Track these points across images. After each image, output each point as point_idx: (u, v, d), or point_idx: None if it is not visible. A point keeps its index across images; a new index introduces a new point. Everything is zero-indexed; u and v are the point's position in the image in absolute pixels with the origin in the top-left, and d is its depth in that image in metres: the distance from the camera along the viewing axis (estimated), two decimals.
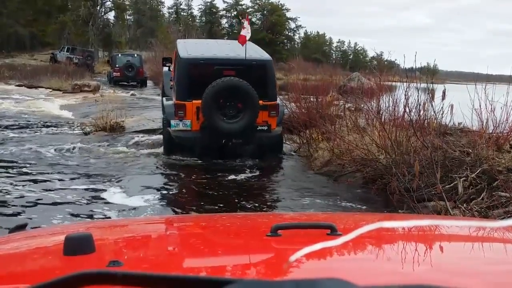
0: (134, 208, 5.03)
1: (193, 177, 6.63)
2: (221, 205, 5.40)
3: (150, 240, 1.20)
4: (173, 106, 7.59)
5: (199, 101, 7.18)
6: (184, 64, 7.55)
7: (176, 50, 8.26)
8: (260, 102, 7.29)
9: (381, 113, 6.90)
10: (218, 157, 7.66)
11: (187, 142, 7.49)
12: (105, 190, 5.65)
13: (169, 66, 9.77)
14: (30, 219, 4.32)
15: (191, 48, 8.40)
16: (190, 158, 7.76)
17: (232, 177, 6.74)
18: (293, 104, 9.67)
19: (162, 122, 8.56)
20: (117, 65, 22.08)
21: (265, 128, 7.49)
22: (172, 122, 7.44)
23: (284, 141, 8.46)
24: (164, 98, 8.48)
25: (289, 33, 66.51)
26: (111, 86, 20.73)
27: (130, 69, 21.77)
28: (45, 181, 5.83)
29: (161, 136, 8.68)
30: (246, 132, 7.38)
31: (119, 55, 24.39)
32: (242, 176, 6.82)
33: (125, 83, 21.67)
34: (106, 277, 0.51)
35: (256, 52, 8.09)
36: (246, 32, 7.59)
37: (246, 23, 7.68)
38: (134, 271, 0.52)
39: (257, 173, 7.12)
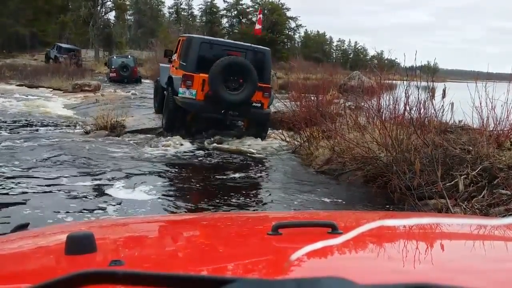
0: (139, 204, 5.05)
1: (193, 174, 6.64)
2: (221, 203, 5.41)
3: (152, 239, 1.20)
4: (181, 77, 8.71)
5: (205, 75, 8.45)
6: (196, 42, 8.92)
7: (186, 37, 9.78)
8: (258, 84, 8.59)
9: (381, 111, 6.90)
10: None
11: (191, 107, 8.72)
12: (109, 186, 5.68)
13: (169, 58, 10.80)
14: (33, 212, 4.33)
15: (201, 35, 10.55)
16: (190, 157, 7.78)
17: (232, 174, 6.74)
18: (293, 102, 9.68)
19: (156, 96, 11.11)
20: (113, 66, 23.89)
21: (259, 105, 8.83)
22: (180, 89, 8.60)
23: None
24: (172, 75, 9.50)
25: (290, 32, 66.43)
26: (111, 86, 20.86)
27: (125, 69, 23.57)
28: (47, 178, 5.84)
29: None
30: (243, 106, 8.61)
31: (115, 57, 26.50)
32: (243, 174, 6.82)
33: (122, 82, 23.18)
34: (108, 276, 0.51)
35: (257, 45, 9.66)
36: (259, 26, 10.66)
37: (259, 16, 11.69)
38: (135, 270, 0.52)
39: (258, 171, 7.13)
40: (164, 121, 9.29)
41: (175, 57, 10.25)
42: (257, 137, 9.29)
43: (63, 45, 34.38)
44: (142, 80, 24.78)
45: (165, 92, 9.89)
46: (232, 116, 8.83)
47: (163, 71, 10.76)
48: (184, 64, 8.94)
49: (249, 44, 9.44)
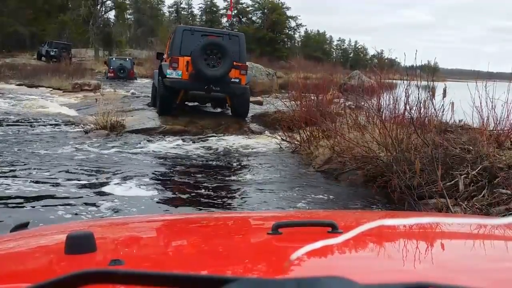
0: (137, 201, 5.05)
1: (191, 173, 6.63)
2: (219, 201, 5.41)
3: (151, 239, 1.20)
4: (169, 62, 10.11)
5: (188, 58, 9.83)
6: (179, 31, 10.42)
7: (172, 32, 11.35)
8: (234, 63, 10.01)
9: (381, 110, 6.89)
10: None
11: (179, 85, 10.06)
12: (106, 183, 5.69)
13: (161, 59, 11.91)
14: (32, 211, 4.32)
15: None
16: (188, 155, 7.78)
17: (231, 173, 6.74)
18: (293, 102, 9.68)
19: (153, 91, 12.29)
20: (111, 67, 26.07)
21: (237, 81, 10.17)
22: (168, 71, 9.95)
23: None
24: (162, 65, 10.66)
25: (290, 32, 66.41)
26: (111, 85, 20.95)
27: (122, 71, 25.85)
28: (45, 177, 5.84)
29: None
30: (223, 82, 9.92)
31: (114, 58, 28.46)
32: (242, 173, 6.82)
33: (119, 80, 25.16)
34: (107, 275, 0.51)
35: (232, 31, 11.92)
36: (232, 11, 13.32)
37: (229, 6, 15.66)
38: (135, 269, 0.52)
39: (257, 169, 7.13)
40: (158, 105, 10.66)
41: (165, 56, 11.66)
42: (240, 115, 10.81)
43: (54, 41, 36.33)
44: (139, 79, 26.82)
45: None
46: (214, 91, 10.02)
47: (156, 75, 11.76)
48: (170, 51, 10.43)
49: (225, 30, 12.05)
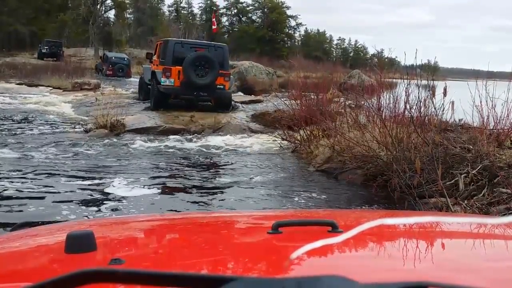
0: (137, 200, 5.05)
1: (190, 173, 6.63)
2: (219, 201, 5.41)
3: (152, 238, 1.20)
4: (162, 71, 11.46)
5: (179, 67, 11.23)
6: (171, 43, 11.93)
7: (163, 41, 12.86)
8: (219, 71, 11.37)
9: (381, 110, 6.88)
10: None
11: (171, 91, 11.56)
12: (106, 183, 5.69)
13: (150, 59, 13.54)
14: (33, 211, 4.33)
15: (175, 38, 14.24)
16: (186, 154, 7.77)
17: (231, 172, 6.73)
18: (293, 101, 9.68)
19: (140, 87, 13.94)
20: (110, 65, 27.53)
21: (222, 87, 11.72)
22: (162, 79, 11.32)
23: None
24: (155, 70, 12.10)
25: (290, 31, 66.41)
26: (110, 84, 20.94)
27: (121, 70, 27.63)
28: (45, 177, 5.84)
29: None
30: (210, 88, 11.44)
31: (113, 58, 29.54)
32: (242, 172, 6.82)
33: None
34: (107, 275, 0.51)
35: (217, 43, 13.26)
36: (215, 25, 14.24)
37: (213, 20, 16.41)
38: (135, 269, 0.52)
39: (258, 169, 7.12)
40: (152, 104, 11.93)
41: (155, 57, 12.93)
42: (223, 111, 11.75)
43: (46, 39, 38.81)
44: (134, 77, 27.88)
45: (149, 86, 12.52)
46: (202, 96, 11.61)
47: (146, 70, 13.30)
48: (163, 60, 11.72)
49: (211, 42, 13.35)
